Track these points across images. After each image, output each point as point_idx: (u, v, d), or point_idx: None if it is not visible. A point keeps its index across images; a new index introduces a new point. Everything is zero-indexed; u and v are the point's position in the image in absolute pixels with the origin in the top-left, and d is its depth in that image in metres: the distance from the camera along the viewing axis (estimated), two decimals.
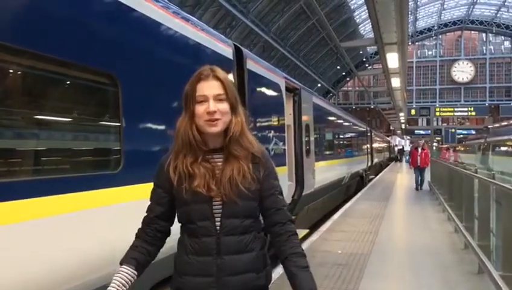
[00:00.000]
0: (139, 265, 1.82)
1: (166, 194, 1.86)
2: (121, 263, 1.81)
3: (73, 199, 2.77)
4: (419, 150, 16.89)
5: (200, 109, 1.78)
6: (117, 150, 3.28)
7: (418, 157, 16.68)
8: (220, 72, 1.84)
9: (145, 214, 1.91)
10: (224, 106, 1.80)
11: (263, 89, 6.91)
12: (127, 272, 1.77)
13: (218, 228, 1.79)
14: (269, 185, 1.88)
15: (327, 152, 12.80)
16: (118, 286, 1.73)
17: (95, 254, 2.89)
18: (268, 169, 1.90)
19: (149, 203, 1.92)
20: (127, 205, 3.13)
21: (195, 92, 1.80)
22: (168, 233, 1.93)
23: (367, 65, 58.41)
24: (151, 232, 1.87)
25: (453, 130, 39.82)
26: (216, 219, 1.79)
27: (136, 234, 1.90)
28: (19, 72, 2.75)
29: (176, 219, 1.91)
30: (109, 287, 1.72)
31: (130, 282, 1.77)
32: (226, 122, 1.81)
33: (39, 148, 2.88)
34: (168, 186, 1.84)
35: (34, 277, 2.50)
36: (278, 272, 5.79)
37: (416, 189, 16.56)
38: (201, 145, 1.81)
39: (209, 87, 1.79)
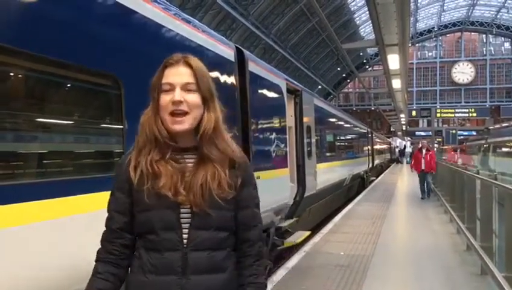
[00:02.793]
0: None
1: (127, 199, 1.57)
2: None
3: (76, 202, 2.77)
4: (424, 151, 14.38)
5: (165, 98, 1.53)
6: (120, 153, 3.28)
7: (422, 160, 14.23)
8: (193, 59, 1.59)
9: (106, 226, 1.60)
10: (194, 98, 1.54)
11: (265, 91, 6.91)
12: None
13: (185, 241, 1.51)
14: (246, 194, 1.63)
15: (328, 154, 12.80)
16: None
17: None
18: (247, 176, 1.64)
19: (108, 213, 1.61)
20: None
21: (161, 80, 1.55)
22: (133, 250, 1.61)
23: (367, 67, 58.43)
24: (116, 250, 1.56)
25: (454, 131, 39.79)
26: (183, 229, 1.51)
27: (97, 256, 1.57)
28: (19, 75, 2.75)
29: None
30: None
31: None
32: (196, 118, 1.55)
33: (42, 151, 2.88)
34: (128, 189, 1.56)
35: (39, 279, 2.49)
36: (282, 273, 5.79)
37: (422, 198, 14.23)
38: (168, 140, 1.54)
39: (177, 74, 1.54)
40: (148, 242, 1.53)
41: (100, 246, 1.59)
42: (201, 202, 1.51)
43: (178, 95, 1.52)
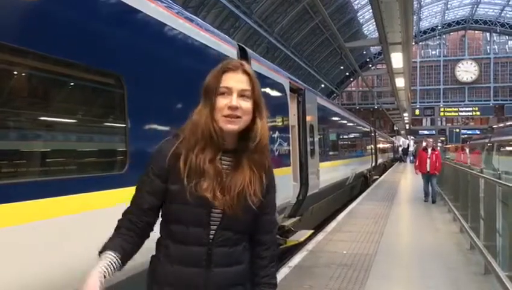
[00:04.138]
0: (125, 256, 1.58)
1: (163, 184, 1.64)
2: (104, 249, 1.55)
3: (78, 200, 2.77)
4: (429, 151, 12.96)
5: (221, 101, 1.60)
6: (122, 151, 3.29)
7: (428, 160, 12.77)
8: (249, 67, 1.67)
9: (133, 203, 1.68)
10: (248, 105, 1.62)
11: (267, 90, 6.90)
12: (114, 261, 1.52)
13: (211, 236, 1.62)
14: (269, 200, 1.74)
15: (331, 152, 12.78)
16: (104, 271, 1.48)
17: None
18: (271, 181, 1.76)
19: (138, 192, 1.69)
20: None
21: (219, 83, 1.62)
22: (153, 228, 1.72)
23: (370, 65, 58.34)
24: (141, 224, 1.64)
25: (458, 130, 39.72)
26: (211, 227, 1.62)
27: (121, 223, 1.65)
28: (23, 74, 2.76)
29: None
30: (95, 270, 1.47)
31: (113, 272, 1.52)
32: (246, 122, 1.63)
33: (44, 150, 2.88)
34: (165, 176, 1.64)
35: (44, 278, 2.50)
36: (284, 272, 5.78)
37: (426, 201, 13.03)
38: (222, 141, 1.62)
39: (235, 80, 1.62)
40: (176, 233, 1.63)
41: (125, 216, 1.66)
42: (237, 207, 1.61)
43: (235, 100, 1.60)
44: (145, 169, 1.69)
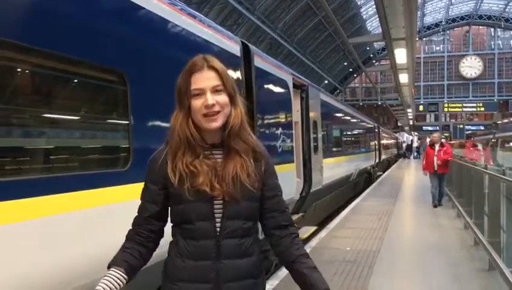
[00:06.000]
0: (130, 269, 1.65)
1: (160, 191, 1.71)
2: (110, 266, 1.64)
3: (81, 197, 2.77)
4: (437, 147, 11.37)
5: (197, 103, 1.64)
6: (125, 148, 3.28)
7: (435, 158, 11.20)
8: (215, 62, 1.70)
9: (136, 214, 1.76)
10: (223, 98, 1.66)
11: (270, 86, 6.89)
12: (116, 276, 1.60)
13: (218, 229, 1.66)
14: (273, 184, 1.78)
15: (335, 149, 12.75)
16: (105, 288, 1.55)
17: (102, 251, 2.89)
18: (270, 167, 1.79)
19: (140, 202, 1.76)
20: (135, 203, 3.13)
21: (189, 86, 1.66)
22: (162, 234, 1.77)
23: (374, 61, 58.16)
24: (144, 233, 1.71)
25: (462, 126, 39.57)
26: (216, 219, 1.66)
27: (127, 236, 1.73)
28: (26, 71, 2.76)
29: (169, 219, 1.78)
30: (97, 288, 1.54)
31: (118, 287, 1.60)
32: (226, 114, 1.68)
33: (47, 147, 2.89)
34: (162, 183, 1.70)
35: (44, 276, 2.50)
36: (281, 274, 5.78)
37: (434, 206, 11.38)
38: (200, 142, 1.68)
39: (205, 79, 1.65)
40: (185, 231, 1.68)
41: (131, 228, 1.74)
42: (233, 192, 1.65)
43: (210, 99, 1.64)
44: (144, 180, 1.76)
